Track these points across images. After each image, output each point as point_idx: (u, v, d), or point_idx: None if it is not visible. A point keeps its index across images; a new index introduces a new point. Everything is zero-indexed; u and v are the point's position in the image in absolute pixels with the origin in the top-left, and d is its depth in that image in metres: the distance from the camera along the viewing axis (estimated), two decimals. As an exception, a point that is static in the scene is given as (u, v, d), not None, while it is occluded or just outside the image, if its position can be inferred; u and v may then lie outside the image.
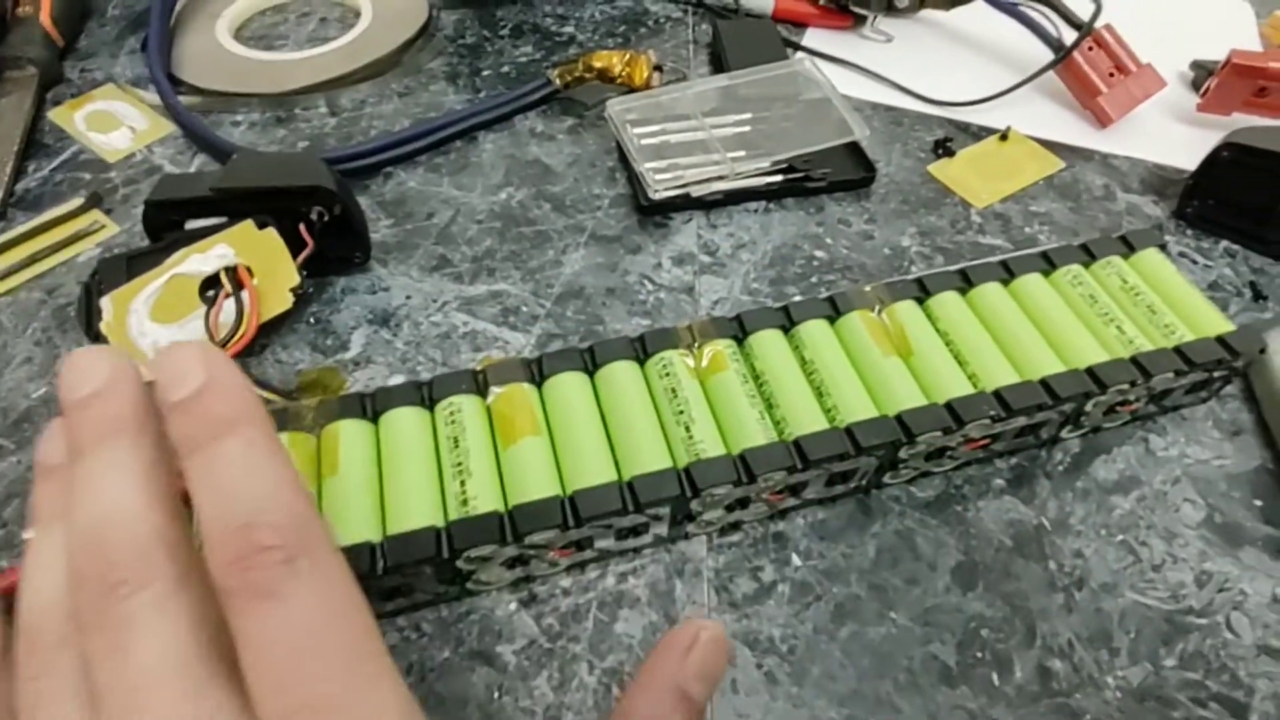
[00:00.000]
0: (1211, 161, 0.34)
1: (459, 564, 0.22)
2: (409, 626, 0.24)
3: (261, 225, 0.29)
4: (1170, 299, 0.28)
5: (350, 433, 0.24)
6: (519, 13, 0.47)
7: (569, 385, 0.25)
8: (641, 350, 0.26)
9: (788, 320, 0.27)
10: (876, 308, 0.28)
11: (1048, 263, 0.29)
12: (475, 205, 0.36)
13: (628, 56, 0.41)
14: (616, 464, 0.24)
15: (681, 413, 0.25)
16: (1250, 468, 0.28)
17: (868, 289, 0.28)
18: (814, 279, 0.34)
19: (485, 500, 0.23)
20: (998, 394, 0.25)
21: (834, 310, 0.28)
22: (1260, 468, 0.28)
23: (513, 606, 0.24)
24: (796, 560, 0.25)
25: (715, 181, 0.36)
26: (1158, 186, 0.38)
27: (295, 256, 0.29)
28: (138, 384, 0.14)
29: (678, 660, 0.16)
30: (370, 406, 0.25)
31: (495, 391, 0.25)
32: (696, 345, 0.27)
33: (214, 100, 0.41)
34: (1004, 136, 0.40)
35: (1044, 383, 0.25)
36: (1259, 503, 0.27)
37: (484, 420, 0.25)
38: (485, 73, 0.43)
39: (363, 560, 0.21)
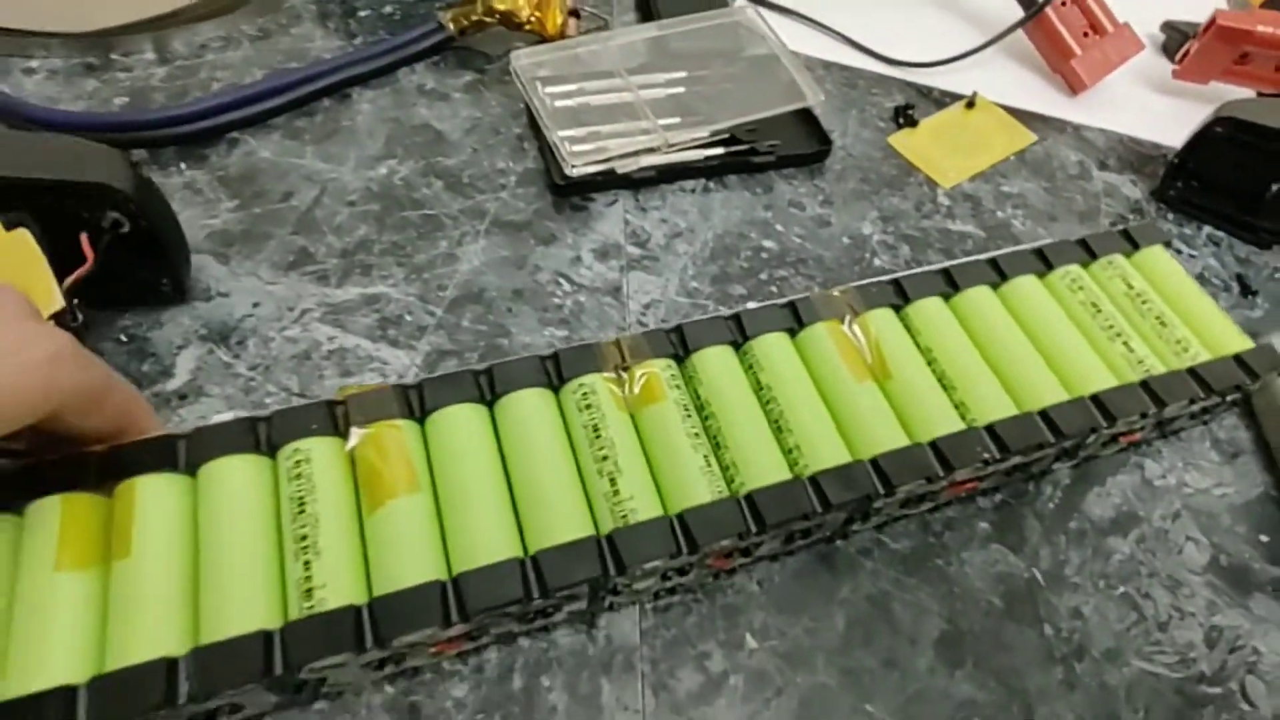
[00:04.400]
0: (1202, 137, 0.31)
1: (301, 676, 0.16)
2: (243, 773, 0.18)
3: (11, 226, 0.21)
4: (1180, 308, 0.24)
5: (152, 495, 0.17)
6: (406, -60, 0.39)
7: (459, 423, 0.19)
8: (555, 374, 0.21)
9: (739, 333, 0.22)
10: (846, 317, 0.23)
11: (1042, 261, 0.24)
12: (347, 182, 0.29)
13: (538, -2, 0.34)
14: (520, 530, 0.19)
15: (605, 458, 0.19)
16: (1253, 495, 0.25)
17: (836, 293, 0.23)
18: (763, 274, 0.28)
19: (337, 590, 0.17)
20: (991, 430, 0.21)
21: (796, 320, 0.22)
22: (1263, 495, 0.25)
23: (387, 732, 0.18)
24: (751, 641, 0.21)
25: (645, 155, 0.30)
26: (1134, 163, 0.34)
27: (69, 275, 0.21)
28: None
29: None
30: (184, 454, 0.18)
31: (359, 433, 0.19)
32: (626, 366, 0.21)
33: (1, 40, 0.31)
34: (970, 104, 0.35)
35: (1044, 415, 0.21)
36: (1264, 538, 0.24)
37: (343, 473, 0.18)
38: (363, 13, 0.35)
39: (154, 688, 0.15)
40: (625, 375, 0.21)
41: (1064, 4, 0.36)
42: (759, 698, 0.20)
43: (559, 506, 0.19)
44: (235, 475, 0.18)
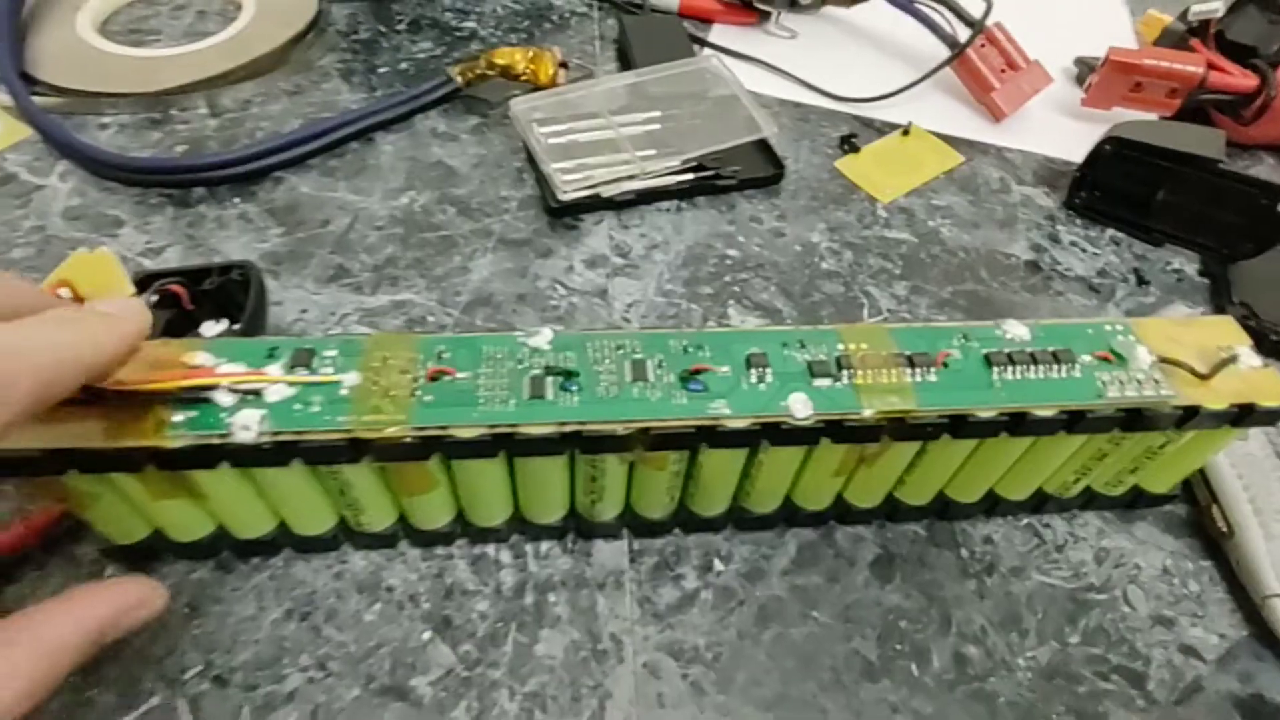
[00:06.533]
0: (1095, 155, 0.36)
1: None
2: (313, 665, 0.22)
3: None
4: (1181, 456, 0.25)
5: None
6: (416, 6, 0.45)
7: (477, 470, 0.22)
8: (576, 447, 0.21)
9: (769, 436, 0.21)
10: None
11: (1125, 425, 0.22)
12: (374, 211, 0.34)
13: (532, 53, 0.39)
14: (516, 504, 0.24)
15: (593, 493, 0.23)
16: (1139, 446, 0.30)
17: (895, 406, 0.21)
18: (727, 278, 0.33)
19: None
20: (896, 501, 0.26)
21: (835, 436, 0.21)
22: (1148, 445, 0.30)
23: (426, 636, 0.23)
24: (719, 565, 0.25)
25: (625, 181, 0.35)
26: (1049, 178, 0.40)
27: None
28: None
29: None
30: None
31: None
32: (645, 453, 0.21)
33: (77, 101, 0.37)
34: (906, 132, 0.41)
35: (946, 500, 0.26)
36: (1148, 479, 0.29)
37: (375, 479, 0.22)
38: (382, 70, 0.41)
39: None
40: (642, 454, 0.21)
41: (983, 46, 0.42)
42: (725, 607, 0.24)
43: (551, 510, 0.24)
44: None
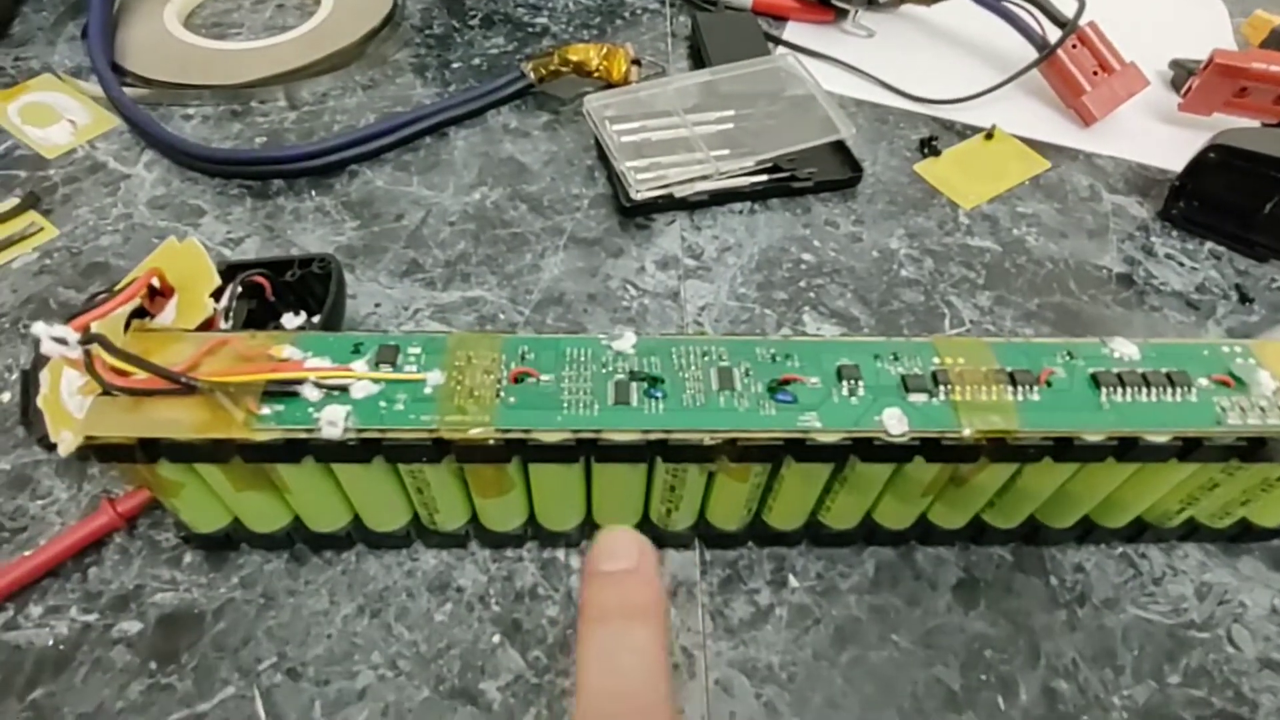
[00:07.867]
0: (1198, 163, 0.34)
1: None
2: (384, 663, 0.22)
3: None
4: None
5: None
6: (489, 2, 0.45)
7: (555, 476, 0.22)
8: (660, 455, 0.20)
9: (860, 452, 0.20)
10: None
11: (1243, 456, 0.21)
12: (447, 206, 0.34)
13: (605, 50, 0.39)
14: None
15: (670, 500, 0.22)
16: (1244, 475, 0.28)
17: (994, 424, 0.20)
18: (802, 283, 0.32)
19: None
20: (983, 521, 0.24)
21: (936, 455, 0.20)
22: (1254, 475, 0.28)
23: (496, 639, 0.23)
24: (794, 581, 0.24)
25: (699, 181, 0.35)
26: (1141, 186, 0.38)
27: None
28: (660, 572, 0.17)
29: None
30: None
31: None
32: (731, 464, 0.21)
33: (162, 92, 0.38)
34: (989, 135, 0.39)
35: (1034, 521, 0.24)
36: (1254, 511, 0.27)
37: (453, 479, 0.22)
38: (455, 65, 0.41)
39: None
40: (722, 463, 0.21)
41: (1074, 46, 0.40)
42: (800, 625, 0.23)
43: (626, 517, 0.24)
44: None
